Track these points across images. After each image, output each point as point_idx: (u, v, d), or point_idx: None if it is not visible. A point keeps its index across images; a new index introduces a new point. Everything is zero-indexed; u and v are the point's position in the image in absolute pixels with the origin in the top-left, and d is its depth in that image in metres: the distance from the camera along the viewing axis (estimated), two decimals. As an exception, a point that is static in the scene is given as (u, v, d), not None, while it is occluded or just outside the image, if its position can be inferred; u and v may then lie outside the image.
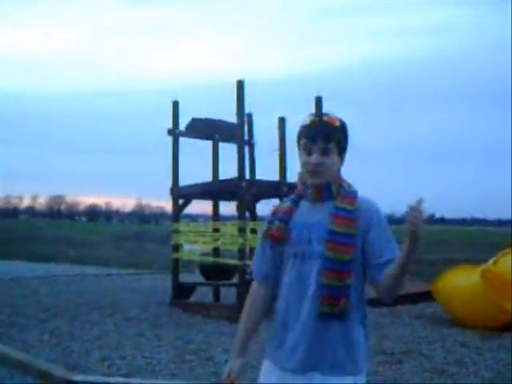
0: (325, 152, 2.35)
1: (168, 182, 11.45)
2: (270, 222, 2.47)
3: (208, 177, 11.89)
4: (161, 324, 8.83)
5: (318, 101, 11.11)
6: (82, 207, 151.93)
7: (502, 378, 5.87)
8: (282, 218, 2.43)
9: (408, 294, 11.16)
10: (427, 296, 10.20)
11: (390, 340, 7.65)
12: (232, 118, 10.63)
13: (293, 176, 10.48)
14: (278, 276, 2.45)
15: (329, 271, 2.28)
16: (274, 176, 11.09)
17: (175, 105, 11.55)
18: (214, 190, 11.39)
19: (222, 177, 11.80)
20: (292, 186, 10.24)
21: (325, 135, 2.35)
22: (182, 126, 11.55)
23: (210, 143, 12.09)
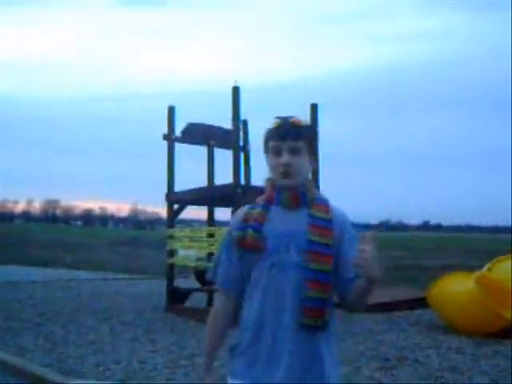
0: (295, 151, 2.29)
1: (164, 187, 11.47)
2: (241, 230, 2.33)
3: (203, 182, 11.91)
4: (156, 329, 8.82)
5: (314, 108, 11.14)
6: (77, 211, 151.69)
7: (498, 384, 5.88)
8: (256, 227, 2.30)
9: (404, 301, 11.19)
10: (423, 302, 10.21)
11: (386, 346, 7.65)
12: (227, 124, 10.64)
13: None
14: (243, 286, 2.35)
15: (312, 283, 2.21)
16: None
17: (171, 110, 11.58)
18: (209, 196, 11.39)
19: (217, 182, 11.82)
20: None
21: (294, 133, 2.30)
22: (179, 131, 11.57)
23: (205, 149, 12.11)
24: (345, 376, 6.12)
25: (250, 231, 2.29)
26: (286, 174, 2.29)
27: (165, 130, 11.55)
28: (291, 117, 2.37)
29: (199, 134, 11.70)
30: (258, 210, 2.35)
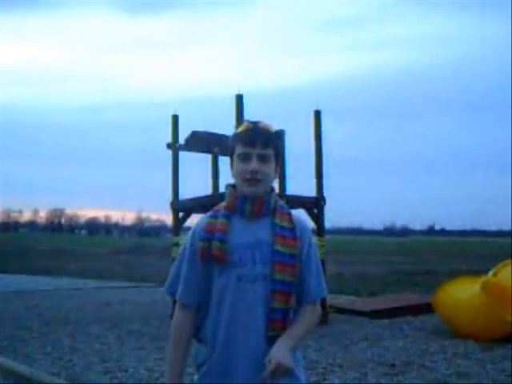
0: (263, 159, 2.23)
1: (168, 195, 11.52)
2: (206, 240, 2.24)
3: (208, 190, 11.94)
4: (162, 337, 8.83)
5: (317, 114, 11.18)
6: (82, 220, 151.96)
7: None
8: (222, 238, 2.22)
9: (409, 306, 11.19)
10: (428, 308, 10.21)
11: (391, 352, 7.65)
12: (231, 132, 10.65)
13: (291, 189, 10.56)
14: (203, 299, 2.28)
15: (278, 294, 2.18)
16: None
17: (174, 119, 11.63)
18: (214, 204, 11.35)
19: (221, 190, 11.84)
20: (292, 198, 10.28)
21: (263, 140, 2.24)
22: (183, 139, 11.61)
23: (209, 157, 12.15)
24: (351, 382, 6.14)
25: (216, 242, 2.21)
26: (252, 182, 2.23)
27: (169, 139, 11.61)
28: (260, 122, 2.31)
29: (203, 142, 11.74)
30: (221, 220, 2.27)
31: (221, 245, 2.21)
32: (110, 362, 7.13)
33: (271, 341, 2.19)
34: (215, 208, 2.36)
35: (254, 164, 2.22)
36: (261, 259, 2.22)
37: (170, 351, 2.36)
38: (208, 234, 2.25)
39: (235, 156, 2.29)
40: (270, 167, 2.27)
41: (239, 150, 2.26)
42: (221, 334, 2.22)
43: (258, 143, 2.23)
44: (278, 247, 2.22)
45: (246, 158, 2.24)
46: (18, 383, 6.44)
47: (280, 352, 2.11)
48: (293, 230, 2.27)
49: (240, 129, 2.32)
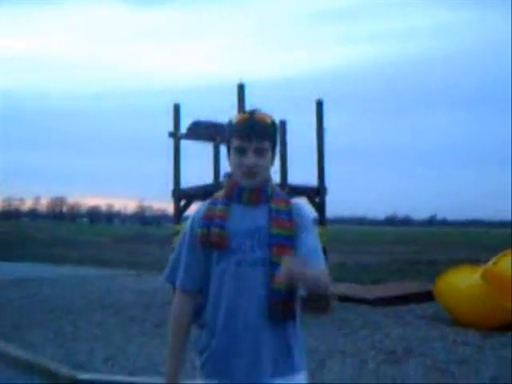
0: (260, 152, 2.24)
1: (170, 184, 11.53)
2: (205, 227, 2.27)
3: (209, 179, 11.95)
4: (164, 323, 8.87)
5: (319, 104, 11.17)
6: (83, 209, 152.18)
7: (504, 376, 5.90)
8: (221, 224, 2.25)
9: (410, 294, 11.22)
10: (429, 296, 10.24)
11: (392, 339, 7.69)
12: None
13: (293, 178, 10.58)
14: (202, 285, 2.30)
15: (278, 276, 2.13)
16: (275, 178, 11.12)
17: (176, 108, 11.63)
18: (216, 192, 11.41)
19: (222, 179, 11.84)
20: (294, 188, 10.30)
21: (259, 133, 2.23)
22: (184, 128, 11.61)
23: (211, 145, 12.14)
24: (352, 368, 6.19)
25: (215, 228, 2.24)
26: (249, 175, 2.25)
27: (170, 127, 11.61)
28: (256, 112, 2.30)
29: (205, 131, 11.73)
30: (220, 207, 2.30)
31: (220, 231, 2.24)
32: (112, 348, 7.19)
33: (275, 323, 2.22)
34: (214, 196, 2.39)
35: (250, 159, 2.24)
36: (259, 244, 2.24)
37: (171, 336, 2.38)
38: (207, 221, 2.28)
39: (232, 148, 2.29)
40: (267, 159, 2.28)
41: (235, 143, 2.26)
42: (221, 319, 2.24)
43: (255, 137, 2.23)
44: (274, 230, 2.24)
45: (242, 151, 2.25)
46: (22, 370, 6.50)
47: (292, 260, 2.05)
48: (288, 213, 2.29)
49: (236, 120, 2.30)
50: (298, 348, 2.30)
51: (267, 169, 2.31)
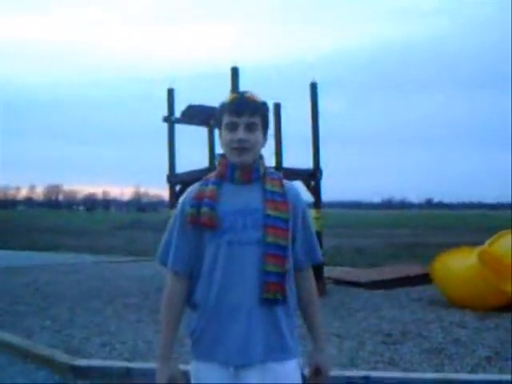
0: (250, 128, 2.24)
1: (165, 170, 11.50)
2: (195, 207, 2.26)
3: (204, 164, 11.92)
4: (160, 310, 8.89)
5: (313, 87, 11.12)
6: (79, 196, 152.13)
7: (500, 357, 5.92)
8: (211, 204, 2.24)
9: (406, 277, 11.25)
10: (425, 279, 10.27)
11: (389, 321, 7.71)
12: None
13: (288, 161, 10.56)
14: (194, 266, 2.30)
15: (271, 257, 2.20)
16: (270, 161, 11.12)
17: (170, 92, 11.59)
18: (211, 176, 11.39)
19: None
20: (289, 171, 10.27)
21: (250, 109, 2.25)
22: (179, 113, 11.57)
23: (205, 130, 12.10)
24: (349, 351, 6.20)
25: (205, 208, 2.24)
26: (240, 151, 2.25)
27: (165, 113, 11.57)
28: (246, 92, 2.34)
29: (199, 115, 11.68)
30: (211, 187, 2.29)
31: (209, 211, 2.23)
32: (109, 334, 7.18)
33: (266, 304, 2.21)
34: (206, 177, 2.38)
35: (241, 133, 2.24)
36: (252, 224, 2.23)
37: (163, 317, 2.38)
38: (197, 201, 2.27)
39: (223, 126, 2.30)
40: (258, 136, 2.28)
41: (226, 119, 2.27)
42: (212, 298, 2.24)
43: (245, 112, 2.24)
44: (270, 212, 2.24)
45: (233, 127, 2.25)
46: (18, 357, 6.49)
47: (328, 361, 2.43)
48: (283, 194, 2.29)
49: (227, 99, 2.32)
50: (290, 332, 2.29)
51: (258, 146, 2.30)
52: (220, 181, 2.30)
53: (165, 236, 2.40)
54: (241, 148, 2.24)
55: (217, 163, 2.36)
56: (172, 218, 2.39)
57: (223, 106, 2.31)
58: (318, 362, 2.38)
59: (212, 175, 2.35)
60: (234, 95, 2.32)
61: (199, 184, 2.35)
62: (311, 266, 2.41)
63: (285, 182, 2.35)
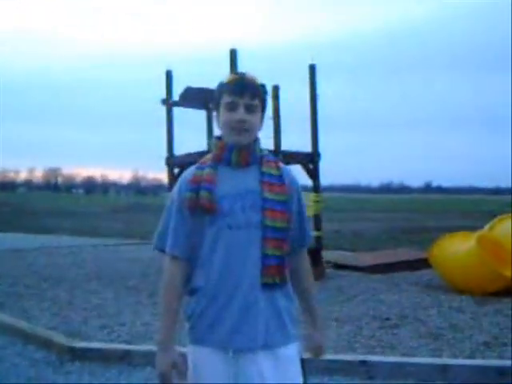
0: (250, 109, 2.22)
1: (164, 153, 11.48)
2: (192, 191, 2.23)
3: (203, 146, 11.89)
4: (159, 292, 8.90)
5: (312, 69, 11.05)
6: (78, 179, 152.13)
7: (498, 342, 5.92)
8: (208, 187, 2.21)
9: (405, 261, 11.26)
10: (424, 263, 10.27)
11: (387, 306, 7.72)
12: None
13: (286, 145, 10.53)
14: (192, 251, 2.26)
15: (270, 240, 2.19)
16: (269, 144, 11.06)
17: (168, 75, 11.54)
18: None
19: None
20: (287, 154, 10.24)
21: (250, 90, 2.23)
22: (177, 96, 11.52)
23: (204, 113, 12.05)
24: (347, 335, 6.21)
25: (203, 192, 2.21)
26: (239, 131, 2.23)
27: (163, 95, 11.53)
28: (246, 73, 2.31)
29: (197, 98, 11.62)
30: (208, 171, 2.26)
31: (208, 195, 2.21)
32: (108, 316, 7.19)
33: (265, 288, 2.20)
34: (201, 160, 2.34)
35: (241, 114, 2.22)
36: (251, 207, 2.22)
37: (164, 307, 2.34)
38: (195, 185, 2.24)
39: (222, 105, 2.27)
40: (257, 118, 2.27)
41: (226, 99, 2.24)
42: (212, 281, 2.22)
43: (246, 93, 2.23)
44: (267, 194, 2.23)
45: (233, 107, 2.23)
46: (17, 338, 6.51)
47: (324, 341, 2.54)
48: (280, 177, 2.29)
49: (227, 79, 2.30)
50: (290, 315, 2.28)
51: (256, 128, 2.29)
52: (216, 164, 2.28)
53: (161, 221, 2.37)
54: (240, 128, 2.23)
55: (212, 146, 2.32)
56: (168, 203, 2.35)
57: (222, 85, 2.29)
58: (318, 342, 2.46)
59: (207, 158, 2.32)
60: (235, 75, 2.31)
61: (195, 167, 2.32)
62: (304, 248, 2.44)
63: (281, 164, 2.34)
